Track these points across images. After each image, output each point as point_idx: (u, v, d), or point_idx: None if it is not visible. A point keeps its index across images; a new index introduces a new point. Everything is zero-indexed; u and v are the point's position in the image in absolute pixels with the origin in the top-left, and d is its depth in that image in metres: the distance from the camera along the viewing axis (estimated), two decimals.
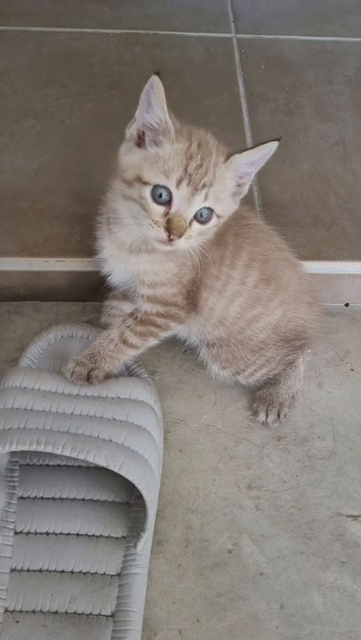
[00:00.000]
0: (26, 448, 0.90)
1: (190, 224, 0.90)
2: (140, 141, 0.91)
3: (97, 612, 0.96)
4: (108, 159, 1.37)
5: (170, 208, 0.89)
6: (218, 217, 0.93)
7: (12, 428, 0.93)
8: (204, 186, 0.88)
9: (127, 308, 1.19)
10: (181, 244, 0.90)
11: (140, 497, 1.00)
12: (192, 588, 1.02)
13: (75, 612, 0.96)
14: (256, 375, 1.16)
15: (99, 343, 1.08)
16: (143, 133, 0.90)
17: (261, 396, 1.19)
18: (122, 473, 0.92)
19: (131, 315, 1.09)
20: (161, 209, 0.89)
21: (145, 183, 0.88)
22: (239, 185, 0.94)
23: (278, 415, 1.17)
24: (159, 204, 0.89)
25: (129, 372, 1.15)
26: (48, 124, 1.49)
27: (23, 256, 1.26)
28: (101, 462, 0.91)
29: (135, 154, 0.90)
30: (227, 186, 0.93)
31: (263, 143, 0.89)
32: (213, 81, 1.63)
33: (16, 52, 1.64)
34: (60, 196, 1.35)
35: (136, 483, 0.93)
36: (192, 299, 1.05)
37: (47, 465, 1.08)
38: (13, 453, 1.08)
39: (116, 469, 0.92)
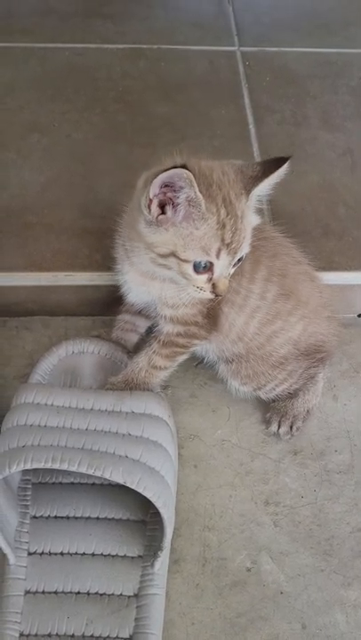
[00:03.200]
0: (41, 466, 0.88)
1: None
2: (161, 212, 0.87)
3: (115, 635, 0.93)
4: (114, 173, 1.39)
5: (212, 273, 0.89)
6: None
7: (27, 445, 0.91)
8: (241, 246, 0.88)
9: (141, 323, 1.18)
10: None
11: (155, 515, 0.98)
12: (211, 608, 0.99)
13: (92, 635, 0.93)
14: (277, 390, 1.14)
15: (130, 370, 1.07)
16: (163, 206, 0.86)
17: (276, 406, 1.17)
18: (139, 490, 0.90)
19: (154, 338, 1.07)
20: (204, 277, 0.89)
21: (184, 261, 0.87)
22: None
23: (291, 427, 1.15)
24: (201, 273, 0.88)
25: None
26: (54, 138, 1.48)
27: (31, 271, 1.25)
28: (118, 479, 0.89)
29: (163, 234, 0.87)
30: (252, 221, 0.92)
31: (277, 167, 0.88)
32: (218, 93, 1.62)
33: (21, 68, 1.64)
34: (67, 210, 1.34)
35: (153, 500, 0.91)
36: (212, 315, 1.03)
37: (60, 483, 1.06)
38: (25, 471, 1.05)
39: (133, 486, 0.89)
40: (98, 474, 0.88)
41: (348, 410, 1.21)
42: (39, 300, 1.27)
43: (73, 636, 0.93)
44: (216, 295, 0.91)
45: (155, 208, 0.86)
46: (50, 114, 1.53)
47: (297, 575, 1.03)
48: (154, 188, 0.83)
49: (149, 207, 0.86)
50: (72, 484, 1.06)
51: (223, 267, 0.89)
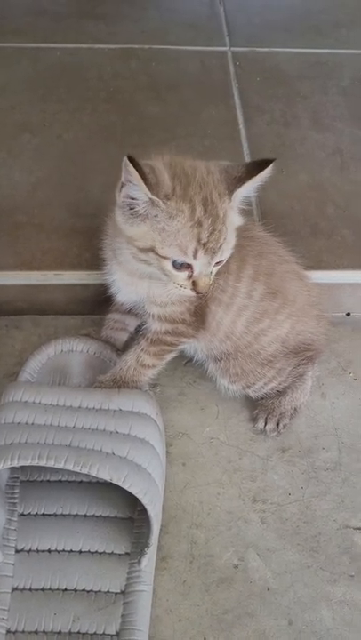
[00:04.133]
0: (28, 463, 0.88)
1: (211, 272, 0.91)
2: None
3: (101, 632, 0.93)
4: (105, 173, 1.40)
5: (192, 271, 0.89)
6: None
7: (14, 442, 0.91)
8: (220, 246, 0.88)
9: (131, 321, 1.18)
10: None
11: (143, 512, 0.99)
12: (198, 605, 1.00)
13: (79, 632, 0.93)
14: (266, 388, 1.14)
15: (119, 369, 1.08)
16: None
17: (263, 404, 1.17)
18: (125, 487, 0.90)
19: (142, 336, 1.08)
20: (184, 274, 0.90)
21: (163, 257, 0.88)
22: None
23: (277, 425, 1.16)
24: (181, 270, 0.89)
25: None
26: (45, 138, 1.49)
27: (21, 270, 1.25)
28: (105, 476, 0.89)
29: (140, 226, 0.88)
30: (234, 222, 0.92)
31: (260, 169, 0.88)
32: (209, 93, 1.63)
33: (12, 69, 1.64)
34: (57, 210, 1.35)
35: (140, 497, 0.91)
36: (200, 314, 1.04)
37: (48, 481, 1.06)
38: (14, 469, 1.06)
39: (119, 483, 0.90)
40: (84, 471, 0.89)
41: (336, 408, 1.22)
42: (29, 298, 1.28)
43: (60, 632, 0.93)
44: (197, 293, 0.91)
45: (124, 194, 0.86)
46: (41, 114, 1.54)
47: (284, 572, 1.04)
48: (125, 172, 0.83)
49: (120, 191, 0.86)
50: (60, 481, 1.06)
51: (202, 265, 0.89)
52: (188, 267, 0.89)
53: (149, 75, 1.67)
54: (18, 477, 1.06)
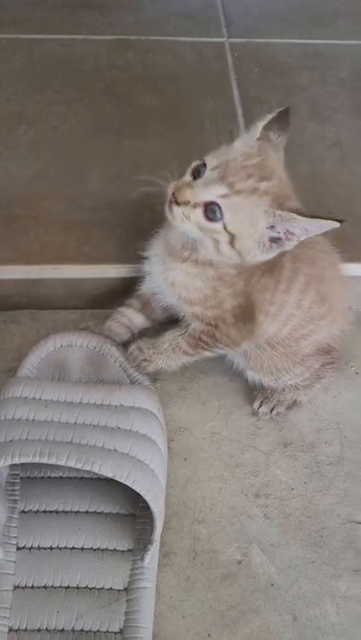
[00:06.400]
0: (29, 460, 0.87)
1: (195, 206, 0.89)
2: None
3: (105, 629, 0.92)
4: (102, 164, 1.38)
5: (192, 178, 0.92)
6: (228, 234, 0.89)
7: (14, 439, 0.90)
8: (230, 184, 0.87)
9: (138, 321, 1.17)
10: (176, 214, 0.91)
11: (145, 508, 0.98)
12: (202, 601, 0.99)
13: (82, 630, 0.92)
14: (289, 382, 1.13)
15: (161, 341, 1.09)
16: None
17: (265, 387, 1.17)
18: (128, 483, 0.89)
19: (183, 325, 1.08)
20: (188, 179, 0.92)
21: (201, 162, 0.92)
22: (285, 239, 0.91)
23: (271, 410, 1.16)
24: (193, 177, 0.92)
25: (130, 380, 1.12)
26: (41, 130, 1.46)
27: (19, 264, 1.23)
28: (107, 473, 0.88)
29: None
30: (256, 226, 0.89)
31: (323, 218, 0.88)
32: (207, 85, 1.61)
33: (7, 60, 1.62)
34: (55, 203, 1.32)
35: (143, 493, 0.90)
36: (248, 325, 1.02)
37: (49, 477, 1.05)
38: (14, 466, 1.04)
39: (122, 480, 0.89)
40: (87, 468, 0.88)
41: (339, 402, 1.21)
42: (27, 293, 1.26)
43: (63, 630, 0.92)
44: (172, 197, 0.90)
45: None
46: (37, 105, 1.52)
47: (287, 567, 1.03)
48: None
49: None
50: (61, 478, 1.05)
51: (205, 180, 0.89)
52: (195, 177, 0.91)
53: (146, 66, 1.65)
54: (18, 474, 1.05)
